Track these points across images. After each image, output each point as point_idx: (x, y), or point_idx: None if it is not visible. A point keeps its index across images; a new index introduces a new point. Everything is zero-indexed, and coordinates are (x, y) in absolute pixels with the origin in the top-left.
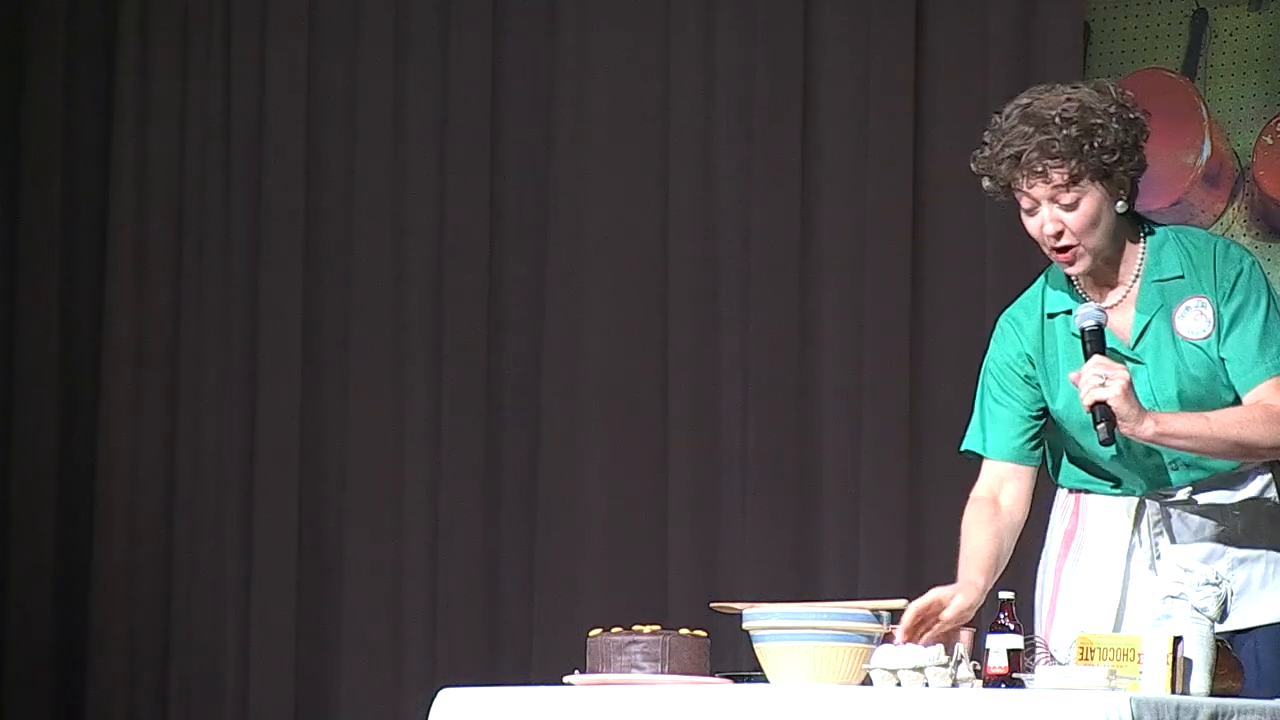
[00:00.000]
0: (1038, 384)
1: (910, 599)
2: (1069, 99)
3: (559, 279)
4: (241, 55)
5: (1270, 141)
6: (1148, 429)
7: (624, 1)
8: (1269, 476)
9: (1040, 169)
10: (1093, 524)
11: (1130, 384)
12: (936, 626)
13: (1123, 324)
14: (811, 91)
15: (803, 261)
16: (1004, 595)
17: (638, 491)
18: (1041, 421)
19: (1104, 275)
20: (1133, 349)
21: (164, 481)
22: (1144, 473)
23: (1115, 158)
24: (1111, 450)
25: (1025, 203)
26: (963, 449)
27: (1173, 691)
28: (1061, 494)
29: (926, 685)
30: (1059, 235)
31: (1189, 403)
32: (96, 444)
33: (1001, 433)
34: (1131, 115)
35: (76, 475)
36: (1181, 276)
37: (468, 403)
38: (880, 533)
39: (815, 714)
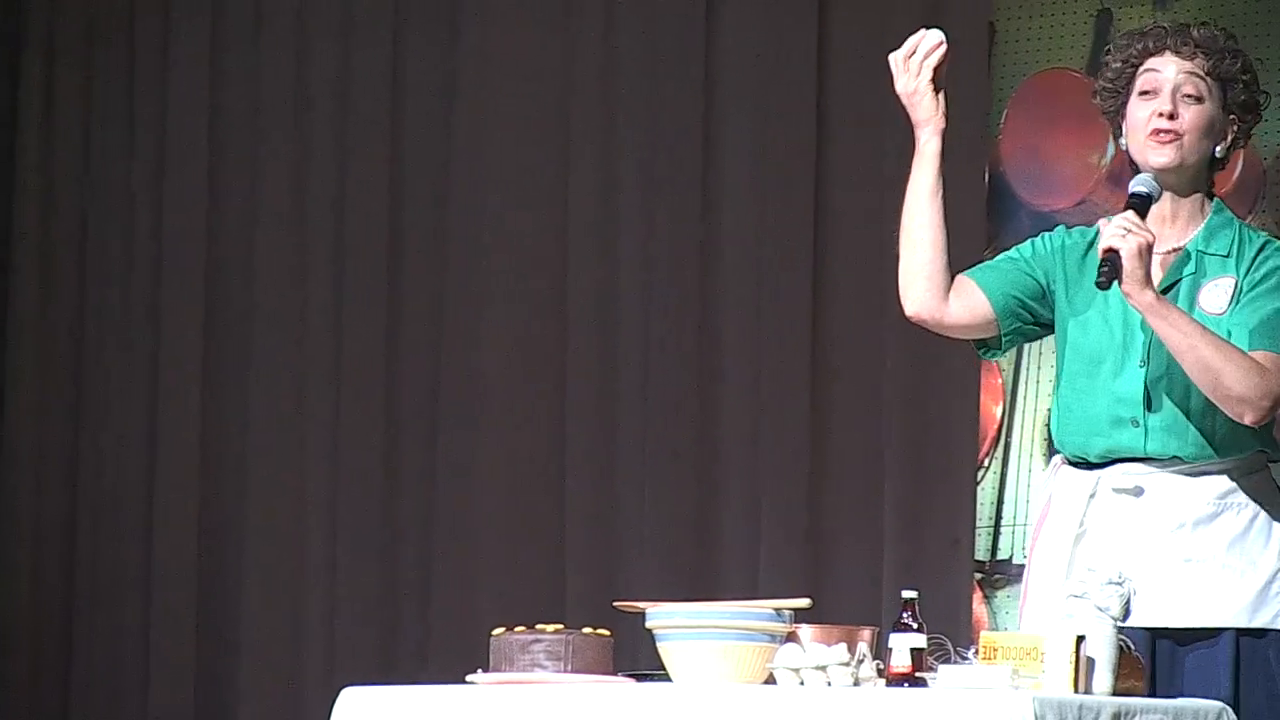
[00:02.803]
0: (1043, 294)
1: (812, 599)
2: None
3: (459, 279)
4: (145, 57)
5: None
6: (1147, 295)
7: (525, 4)
8: (1231, 483)
9: (1185, 48)
10: (1057, 503)
11: (1149, 248)
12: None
13: (1155, 273)
14: (713, 92)
15: (703, 262)
16: (907, 594)
17: (536, 490)
18: (1022, 313)
19: (1173, 219)
20: None
21: (66, 483)
22: (1110, 417)
23: (1240, 85)
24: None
25: (1147, 84)
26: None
27: (1076, 691)
28: (1050, 468)
29: (829, 684)
30: (1173, 116)
31: (1179, 371)
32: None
33: (996, 271)
34: (1257, 82)
35: None
36: (1226, 256)
37: (366, 401)
38: (780, 532)
39: (719, 713)
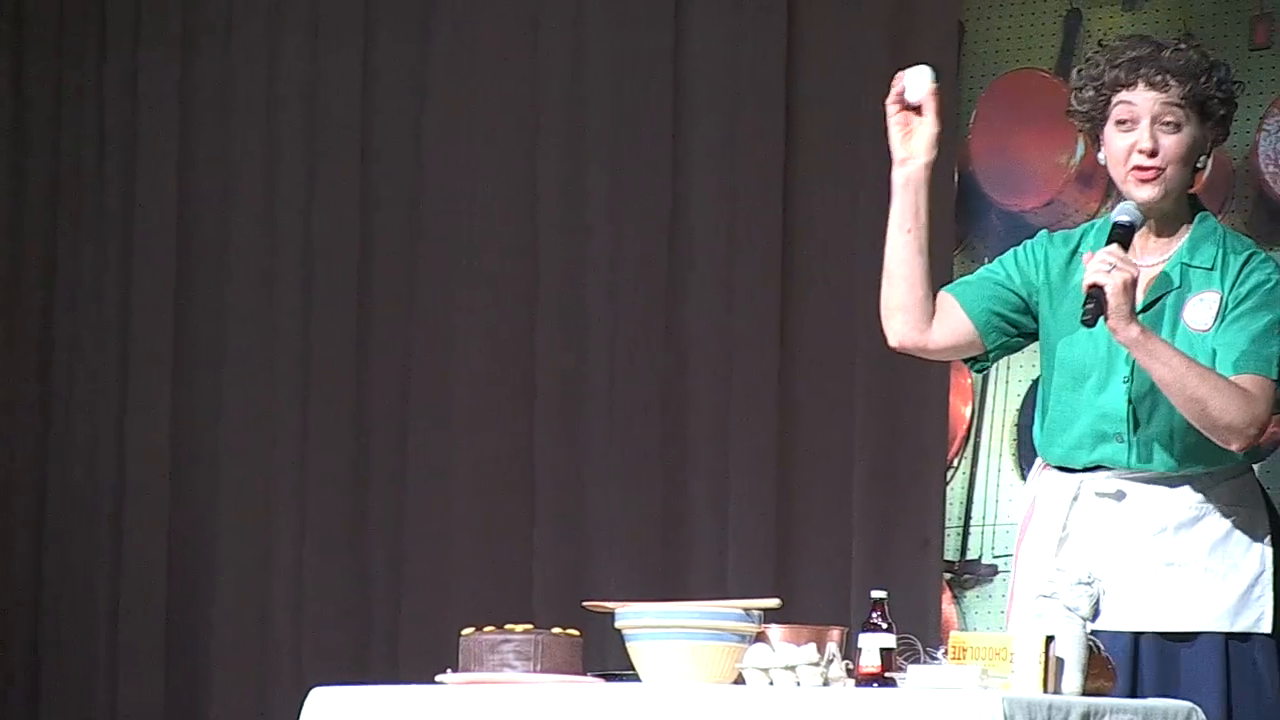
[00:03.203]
0: (1025, 307)
1: (781, 599)
2: (1181, 42)
3: (429, 280)
4: (115, 57)
5: None
6: (1132, 330)
7: (495, 5)
8: (1213, 488)
9: (1159, 79)
10: (1041, 505)
11: (1134, 282)
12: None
13: (1140, 289)
14: (682, 91)
15: (671, 262)
16: (876, 594)
17: (505, 491)
18: (1005, 327)
19: (1159, 234)
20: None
21: (35, 482)
22: (1094, 432)
23: (1218, 103)
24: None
25: (1122, 114)
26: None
27: (1045, 691)
28: (1033, 470)
29: (798, 684)
30: (1154, 153)
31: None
32: None
33: (976, 287)
34: (1233, 86)
35: None
36: (1211, 269)
37: (337, 403)
38: (749, 532)
39: (688, 713)
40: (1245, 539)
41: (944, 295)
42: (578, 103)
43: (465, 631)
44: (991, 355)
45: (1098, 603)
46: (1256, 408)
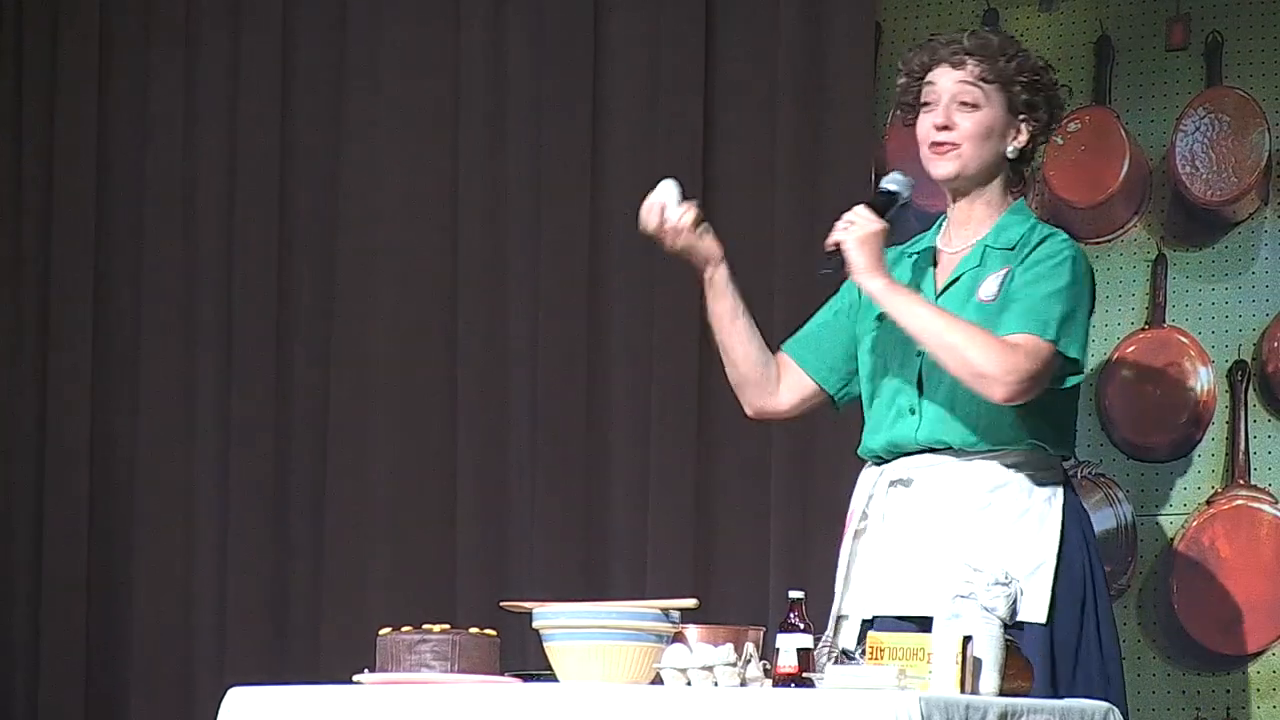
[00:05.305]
0: (855, 314)
1: (699, 599)
2: (991, 29)
3: (348, 277)
4: (33, 50)
5: (1060, 141)
6: (876, 281)
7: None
8: (1001, 475)
9: (957, 59)
10: (853, 500)
11: (876, 237)
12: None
13: (945, 271)
14: (601, 88)
15: (592, 259)
16: (794, 595)
17: (426, 490)
18: (847, 374)
19: (967, 220)
20: (936, 298)
21: None
22: (892, 407)
23: (1023, 85)
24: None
25: (927, 96)
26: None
27: (962, 691)
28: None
29: (716, 685)
30: (947, 127)
31: None
32: None
33: (810, 340)
34: (1049, 78)
35: None
36: (1011, 249)
37: (256, 400)
38: (668, 532)
39: (605, 713)
40: (1029, 529)
41: (782, 356)
42: (497, 98)
43: (383, 631)
44: (840, 401)
45: (1015, 603)
46: (1017, 358)
